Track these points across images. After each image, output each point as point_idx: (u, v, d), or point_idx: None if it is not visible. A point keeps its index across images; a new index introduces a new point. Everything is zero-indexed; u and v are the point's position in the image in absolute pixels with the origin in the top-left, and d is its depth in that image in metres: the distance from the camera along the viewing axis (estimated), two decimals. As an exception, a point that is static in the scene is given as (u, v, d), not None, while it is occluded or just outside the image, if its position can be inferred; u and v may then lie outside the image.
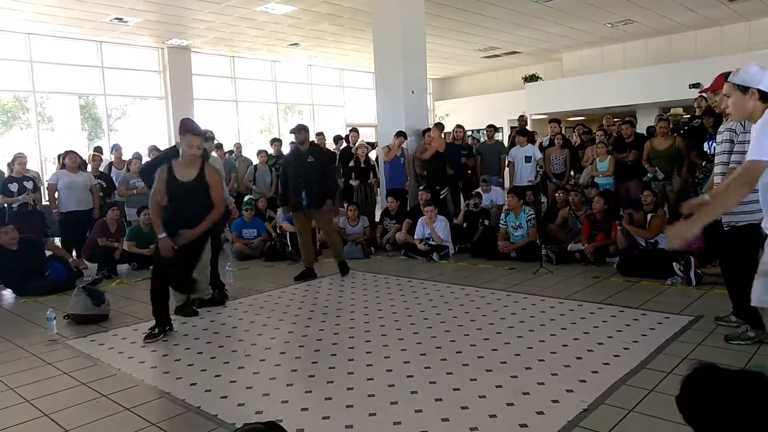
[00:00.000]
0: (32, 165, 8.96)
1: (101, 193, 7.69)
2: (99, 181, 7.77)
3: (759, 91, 2.66)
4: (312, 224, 6.60)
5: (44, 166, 11.76)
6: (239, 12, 10.96)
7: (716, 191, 2.75)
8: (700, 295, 4.82)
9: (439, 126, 8.46)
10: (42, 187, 8.00)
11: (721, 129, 3.79)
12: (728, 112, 2.88)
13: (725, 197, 2.63)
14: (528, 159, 8.24)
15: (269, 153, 9.54)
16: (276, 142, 9.88)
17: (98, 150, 9.64)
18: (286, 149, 10.25)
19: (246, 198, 8.60)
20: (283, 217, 7.92)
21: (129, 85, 13.62)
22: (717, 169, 3.76)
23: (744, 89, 2.70)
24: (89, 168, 7.98)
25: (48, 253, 6.69)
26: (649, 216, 5.99)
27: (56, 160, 9.08)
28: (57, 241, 7.76)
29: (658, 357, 3.48)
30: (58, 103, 13.04)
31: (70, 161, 7.30)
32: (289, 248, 7.52)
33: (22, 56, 11.71)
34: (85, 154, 8.87)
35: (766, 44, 13.15)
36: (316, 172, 6.06)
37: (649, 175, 7.01)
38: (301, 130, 6.12)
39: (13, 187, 6.89)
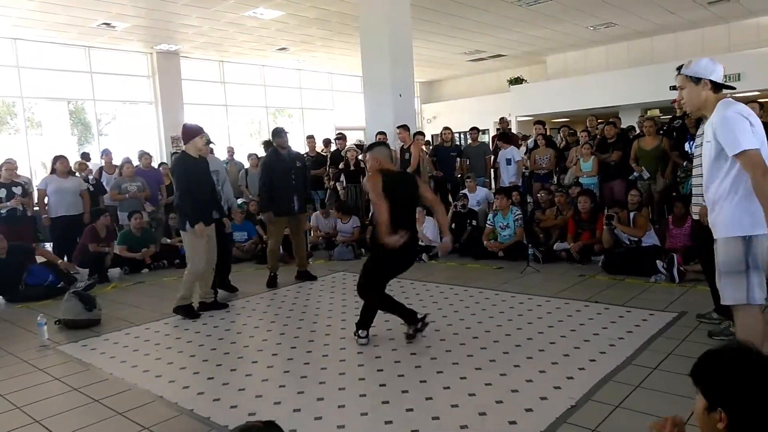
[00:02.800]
0: (22, 171, 8.88)
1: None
2: (88, 185, 7.75)
3: (711, 81, 2.79)
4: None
5: (34, 172, 11.67)
6: (227, 17, 10.96)
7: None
8: (684, 292, 4.91)
9: (404, 127, 8.47)
10: (32, 192, 7.94)
11: (699, 131, 3.84)
12: (683, 103, 2.99)
13: (762, 191, 2.59)
14: (509, 161, 8.35)
15: (260, 156, 9.56)
16: (266, 145, 9.90)
17: (85, 156, 9.60)
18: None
19: (238, 201, 8.62)
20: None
21: (118, 90, 13.56)
22: (697, 170, 3.81)
23: (696, 80, 2.82)
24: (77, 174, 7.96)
25: (40, 260, 6.68)
26: (632, 214, 6.09)
27: (49, 165, 9.03)
28: (49, 246, 7.72)
29: (644, 353, 3.55)
30: (47, 108, 12.95)
31: (60, 166, 7.27)
32: (281, 251, 7.54)
33: (9, 62, 11.63)
34: (75, 159, 8.83)
35: (745, 45, 13.40)
36: (303, 177, 6.12)
37: (635, 174, 7.11)
38: (284, 134, 6.06)
39: (2, 192, 6.84)
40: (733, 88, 2.92)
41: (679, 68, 2.96)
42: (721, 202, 2.77)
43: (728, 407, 1.21)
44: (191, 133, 5.13)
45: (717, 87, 2.80)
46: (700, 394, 1.25)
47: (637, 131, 8.47)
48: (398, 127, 8.16)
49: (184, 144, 5.17)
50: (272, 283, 6.14)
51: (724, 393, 1.21)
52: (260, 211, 6.61)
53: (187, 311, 5.05)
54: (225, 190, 5.76)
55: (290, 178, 5.98)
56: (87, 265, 7.05)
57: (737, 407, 1.19)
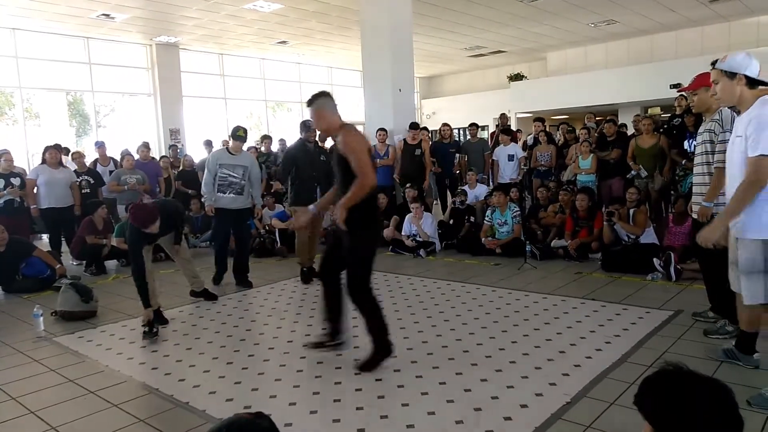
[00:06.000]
0: (19, 161, 8.85)
1: (89, 190, 7.63)
2: (86, 177, 7.72)
3: (746, 76, 2.79)
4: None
5: (31, 163, 11.65)
6: (227, 9, 10.92)
7: (734, 193, 2.87)
8: (680, 290, 4.92)
9: (416, 126, 8.47)
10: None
11: (700, 129, 3.86)
12: (717, 97, 3.02)
13: (741, 197, 2.75)
14: (510, 157, 8.33)
15: (259, 150, 9.53)
16: (266, 139, 9.88)
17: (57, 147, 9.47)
18: (275, 146, 10.25)
19: None
20: (272, 214, 7.93)
21: (117, 81, 13.52)
22: (697, 169, 3.83)
23: (731, 75, 2.82)
24: (66, 162, 7.92)
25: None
26: (632, 211, 6.09)
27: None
28: (45, 237, 7.70)
29: (639, 351, 3.56)
30: (46, 99, 12.91)
31: (49, 157, 7.22)
32: (278, 244, 7.55)
33: (8, 52, 11.58)
34: (72, 150, 8.80)
35: (745, 44, 13.36)
36: (327, 171, 6.12)
37: (632, 172, 7.11)
38: (312, 127, 6.01)
39: (-1, 183, 6.83)
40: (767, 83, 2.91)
41: (714, 63, 2.97)
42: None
43: (671, 430, 1.23)
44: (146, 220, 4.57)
45: (752, 83, 2.81)
46: (646, 421, 1.29)
47: (630, 131, 8.48)
48: (411, 127, 8.20)
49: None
50: (307, 279, 5.96)
51: (666, 417, 1.25)
52: (292, 203, 6.24)
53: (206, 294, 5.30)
54: (254, 186, 5.88)
55: (312, 170, 5.98)
56: (84, 257, 7.04)
57: (679, 430, 1.22)
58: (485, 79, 19.69)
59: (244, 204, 5.81)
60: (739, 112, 2.99)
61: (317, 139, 6.28)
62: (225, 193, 5.66)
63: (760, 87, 2.85)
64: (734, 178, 2.89)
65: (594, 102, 14.53)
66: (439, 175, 8.76)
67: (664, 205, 7.30)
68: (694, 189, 3.85)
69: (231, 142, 5.85)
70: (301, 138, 6.17)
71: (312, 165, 5.99)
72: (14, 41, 11.59)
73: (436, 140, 9.19)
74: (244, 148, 6.09)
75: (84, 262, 7.08)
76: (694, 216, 3.79)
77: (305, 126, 6.05)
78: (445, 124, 8.98)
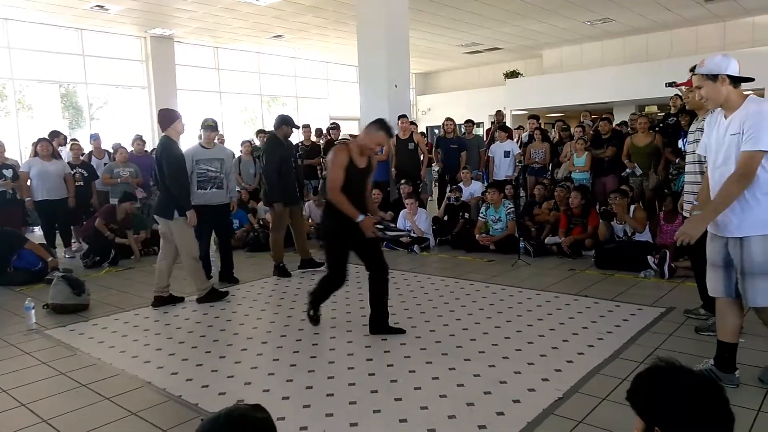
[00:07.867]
0: (12, 153, 8.78)
1: (82, 183, 7.59)
2: (80, 170, 7.68)
3: (729, 76, 2.76)
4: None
5: (23, 155, 11.57)
6: (223, 2, 10.87)
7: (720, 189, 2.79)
8: (672, 287, 4.95)
9: (406, 117, 8.40)
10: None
11: (692, 128, 3.86)
12: (704, 102, 2.97)
13: (729, 191, 2.69)
14: (507, 154, 8.33)
15: (254, 144, 9.48)
16: (261, 133, 9.83)
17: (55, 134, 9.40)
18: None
19: None
20: (265, 209, 7.90)
21: (111, 74, 13.43)
22: (689, 168, 3.84)
23: (713, 77, 2.78)
24: (64, 155, 7.85)
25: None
26: (632, 208, 6.08)
27: (32, 148, 8.94)
28: (37, 230, 7.65)
29: (631, 347, 3.58)
30: (38, 90, 12.81)
31: (41, 149, 7.17)
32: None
33: (0, 42, 11.48)
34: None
35: (739, 44, 13.47)
36: (297, 167, 6.14)
37: (627, 170, 7.15)
38: (291, 123, 5.93)
39: (-8, 175, 6.78)
40: (752, 79, 2.87)
41: (693, 69, 2.94)
42: (748, 199, 2.70)
43: (663, 426, 1.24)
44: (172, 117, 4.91)
45: (735, 81, 2.79)
46: (638, 416, 1.29)
47: (629, 128, 8.50)
48: (400, 117, 8.13)
49: (164, 129, 4.90)
50: (284, 273, 6.01)
51: (658, 412, 1.26)
52: (270, 202, 5.94)
53: (212, 295, 5.01)
54: (229, 180, 5.73)
55: (292, 166, 5.96)
56: (89, 242, 7.01)
57: (671, 425, 1.23)
58: (481, 76, 19.70)
59: (225, 198, 5.68)
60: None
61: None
62: (207, 188, 5.48)
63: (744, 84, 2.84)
64: (726, 173, 2.81)
65: (589, 100, 14.58)
66: (442, 171, 8.74)
67: (658, 203, 7.33)
68: (686, 188, 3.87)
69: (202, 135, 5.62)
70: (276, 134, 5.94)
71: (291, 162, 5.96)
72: (7, 32, 11.49)
73: (438, 135, 9.16)
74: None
75: (84, 251, 7.04)
76: (686, 215, 3.81)
77: (288, 121, 5.91)
78: (448, 119, 8.92)
